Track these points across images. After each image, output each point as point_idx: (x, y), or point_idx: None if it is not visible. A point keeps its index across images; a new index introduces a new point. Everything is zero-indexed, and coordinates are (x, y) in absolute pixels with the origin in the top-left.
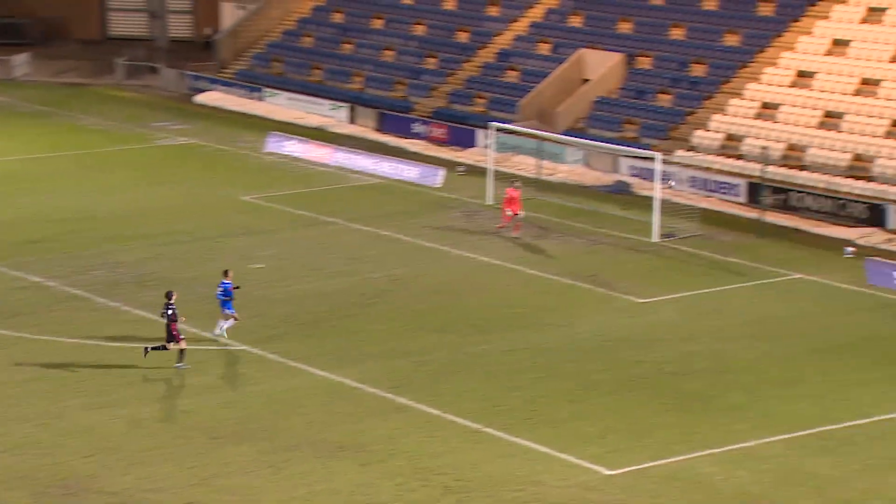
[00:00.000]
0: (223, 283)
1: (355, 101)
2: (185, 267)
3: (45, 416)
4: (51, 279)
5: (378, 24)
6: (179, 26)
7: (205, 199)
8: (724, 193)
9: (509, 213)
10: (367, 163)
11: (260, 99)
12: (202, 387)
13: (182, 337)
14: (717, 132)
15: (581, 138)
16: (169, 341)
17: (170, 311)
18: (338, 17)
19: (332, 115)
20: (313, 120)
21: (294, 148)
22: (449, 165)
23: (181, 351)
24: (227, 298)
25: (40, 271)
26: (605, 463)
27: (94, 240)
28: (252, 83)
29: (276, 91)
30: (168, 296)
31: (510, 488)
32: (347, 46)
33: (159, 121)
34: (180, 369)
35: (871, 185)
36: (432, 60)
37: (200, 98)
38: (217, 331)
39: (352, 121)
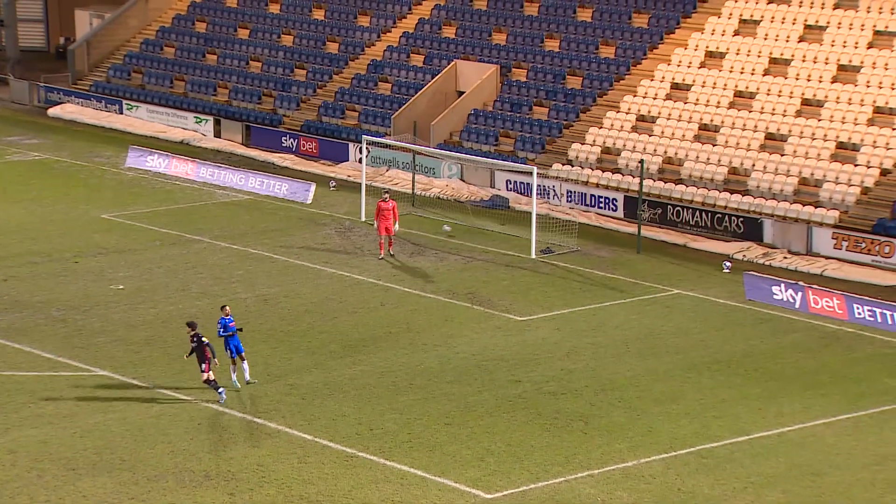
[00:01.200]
0: (222, 319)
1: (221, 114)
2: (38, 289)
3: None
4: None
5: (244, 34)
6: (31, 35)
7: (61, 217)
8: (601, 208)
9: (397, 226)
10: (235, 178)
11: (119, 112)
12: (57, 415)
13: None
14: (594, 145)
15: (456, 152)
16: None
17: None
18: (201, 27)
19: (196, 129)
20: (176, 133)
21: (156, 163)
22: (320, 180)
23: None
24: (228, 335)
25: None
26: (483, 486)
27: None
28: (110, 95)
29: (135, 103)
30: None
31: None
32: (212, 57)
33: (10, 135)
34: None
35: (747, 198)
36: (301, 72)
37: (54, 111)
38: (239, 380)
39: (217, 134)
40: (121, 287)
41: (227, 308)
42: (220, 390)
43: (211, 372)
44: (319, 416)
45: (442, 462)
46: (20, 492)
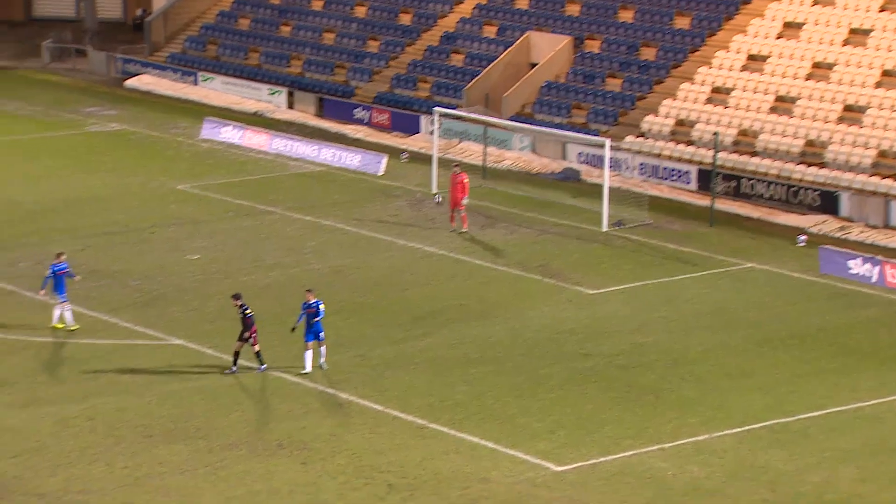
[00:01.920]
0: (304, 304)
1: (294, 86)
2: (115, 259)
3: None
4: None
5: (318, 5)
6: (108, 7)
7: (137, 188)
8: (674, 180)
9: (466, 200)
10: (307, 150)
11: (194, 83)
12: (134, 383)
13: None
14: (668, 117)
15: (528, 124)
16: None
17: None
18: None
19: (270, 100)
20: (250, 105)
21: (230, 134)
22: (392, 152)
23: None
24: (313, 320)
25: None
26: (553, 459)
27: (20, 231)
28: (186, 67)
29: (211, 75)
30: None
31: (456, 486)
32: (286, 29)
33: (88, 106)
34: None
35: (824, 171)
36: (374, 43)
37: (131, 82)
38: (321, 361)
39: (291, 106)
40: (196, 257)
41: (312, 293)
42: (234, 368)
43: (249, 344)
44: (390, 387)
45: (513, 434)
46: (98, 458)
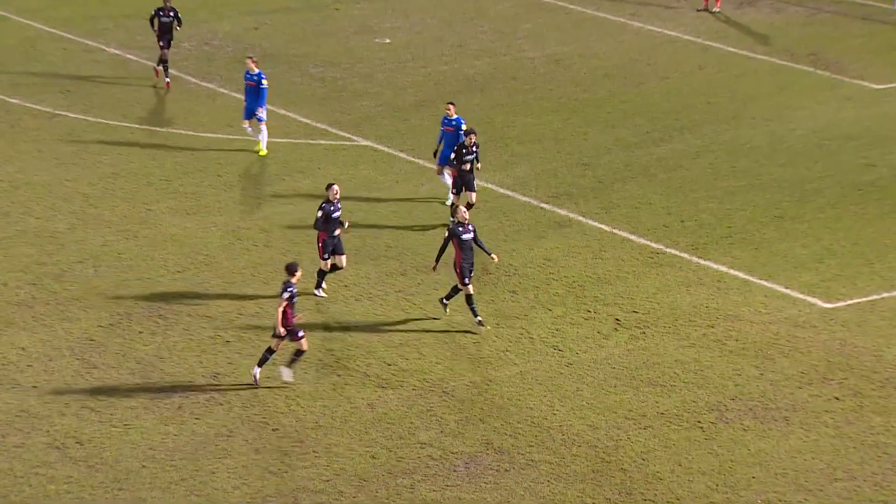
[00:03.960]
0: (446, 119)
1: None
2: (293, 41)
3: (127, 221)
4: (131, 51)
5: None
6: None
7: None
8: None
9: None
10: None
11: None
12: (315, 190)
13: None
14: None
15: None
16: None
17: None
18: None
19: None
20: None
21: None
22: None
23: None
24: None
25: (120, 41)
26: (821, 294)
27: (185, 4)
28: None
29: None
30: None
31: (698, 323)
32: None
33: None
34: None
35: None
36: None
37: None
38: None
39: None
40: (387, 41)
41: (453, 106)
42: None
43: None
44: (619, 203)
45: (769, 263)
46: (274, 277)
